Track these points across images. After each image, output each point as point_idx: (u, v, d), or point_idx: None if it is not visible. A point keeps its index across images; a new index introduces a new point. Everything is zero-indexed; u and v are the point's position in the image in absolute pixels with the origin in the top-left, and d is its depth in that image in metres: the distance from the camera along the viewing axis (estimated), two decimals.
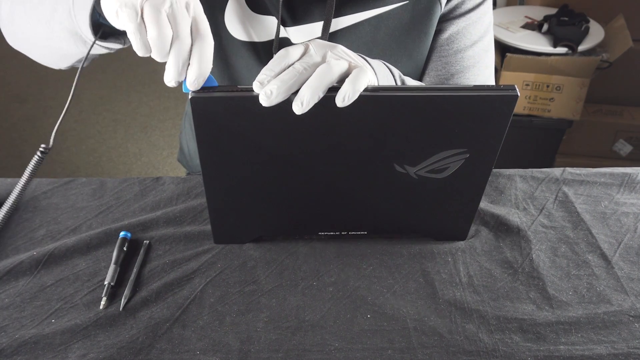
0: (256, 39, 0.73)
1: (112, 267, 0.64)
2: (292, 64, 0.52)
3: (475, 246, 0.71)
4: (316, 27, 0.72)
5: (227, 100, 0.52)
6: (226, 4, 0.71)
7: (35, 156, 0.54)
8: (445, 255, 0.69)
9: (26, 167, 0.57)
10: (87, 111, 2.43)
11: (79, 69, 0.59)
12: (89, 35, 0.56)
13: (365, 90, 0.52)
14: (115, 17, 0.48)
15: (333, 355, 0.57)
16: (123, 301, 0.61)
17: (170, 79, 0.49)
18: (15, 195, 0.55)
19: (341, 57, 0.54)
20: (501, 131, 0.57)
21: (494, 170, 0.85)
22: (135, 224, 0.72)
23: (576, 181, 0.83)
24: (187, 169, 1.05)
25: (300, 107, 0.50)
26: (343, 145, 0.57)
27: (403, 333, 0.59)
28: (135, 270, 0.65)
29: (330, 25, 0.70)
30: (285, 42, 0.73)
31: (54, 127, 0.54)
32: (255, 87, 0.51)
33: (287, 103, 0.52)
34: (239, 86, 0.53)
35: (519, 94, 0.53)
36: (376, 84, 0.58)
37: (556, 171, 0.85)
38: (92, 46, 0.57)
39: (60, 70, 0.74)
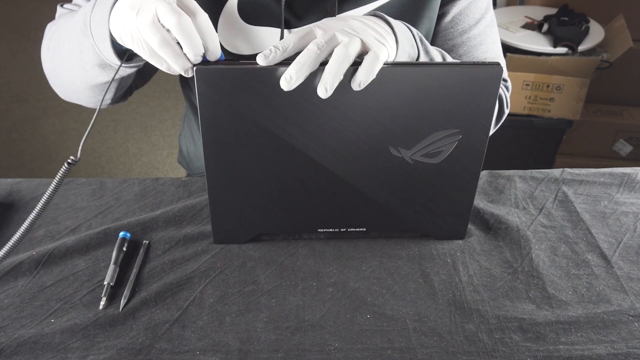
0: (249, 52, 0.73)
1: (111, 267, 0.64)
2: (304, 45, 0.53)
3: (474, 246, 0.71)
4: None
5: (232, 72, 0.54)
6: (218, 20, 0.71)
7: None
8: (444, 256, 0.69)
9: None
10: (87, 111, 2.42)
11: (106, 90, 0.65)
12: (115, 62, 0.61)
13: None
14: (121, 41, 0.56)
15: (333, 355, 0.57)
16: (123, 301, 0.61)
17: (194, 54, 0.52)
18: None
19: (352, 33, 0.54)
20: (490, 109, 0.59)
21: (494, 171, 0.85)
22: (135, 224, 0.72)
23: (576, 181, 0.83)
24: (187, 170, 1.05)
25: (325, 92, 0.53)
26: (341, 124, 0.58)
27: (403, 333, 0.59)
28: (134, 270, 0.65)
29: None
30: None
31: (82, 138, 0.58)
32: (260, 59, 0.52)
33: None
34: (241, 60, 0.54)
35: (503, 68, 0.55)
36: (392, 59, 0.58)
37: (556, 171, 0.85)
38: (118, 69, 0.62)
39: None
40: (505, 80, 0.84)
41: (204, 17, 0.52)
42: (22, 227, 0.57)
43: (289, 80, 0.51)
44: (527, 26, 1.80)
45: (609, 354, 0.58)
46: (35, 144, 2.23)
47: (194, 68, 0.54)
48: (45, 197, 0.56)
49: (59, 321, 0.59)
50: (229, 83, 0.55)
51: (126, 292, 0.62)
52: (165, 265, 0.67)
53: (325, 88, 0.52)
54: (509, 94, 0.84)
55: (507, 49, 1.72)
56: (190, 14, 0.52)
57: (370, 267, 0.67)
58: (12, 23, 3.24)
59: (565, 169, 0.85)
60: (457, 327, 0.60)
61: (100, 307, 0.61)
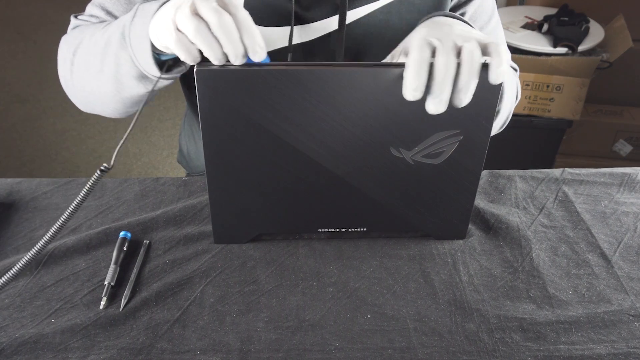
0: None
1: (112, 267, 0.64)
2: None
3: (474, 246, 0.71)
4: (328, 22, 0.72)
5: (232, 73, 0.54)
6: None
7: (95, 175, 0.57)
8: (444, 255, 0.69)
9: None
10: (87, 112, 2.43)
11: (142, 104, 0.64)
12: (156, 73, 0.60)
13: (363, 65, 0.55)
14: (159, 43, 0.55)
15: (333, 355, 0.57)
16: (123, 301, 0.61)
17: (234, 54, 0.51)
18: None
19: (466, 37, 0.54)
20: (491, 110, 0.59)
21: (494, 170, 0.85)
22: (135, 223, 0.72)
23: (576, 181, 0.83)
24: (187, 170, 1.05)
25: (466, 99, 0.53)
26: (342, 125, 0.59)
27: (403, 333, 0.59)
28: (135, 270, 0.65)
29: (345, 19, 0.71)
30: (297, 47, 0.73)
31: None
32: (409, 96, 0.53)
33: (289, 81, 0.54)
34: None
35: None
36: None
37: (556, 171, 0.85)
38: (157, 81, 0.61)
39: None
40: (515, 70, 0.84)
41: (244, 15, 0.51)
42: (47, 234, 0.57)
43: (440, 105, 0.53)
44: (527, 26, 1.80)
45: (609, 353, 0.58)
46: (35, 144, 2.23)
47: (195, 69, 0.54)
48: (75, 203, 0.56)
49: (59, 321, 0.59)
50: (229, 84, 0.55)
51: (127, 292, 0.62)
52: (165, 265, 0.67)
53: (465, 96, 0.53)
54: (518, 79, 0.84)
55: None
56: (231, 12, 0.51)
57: (370, 267, 0.67)
58: (12, 23, 3.24)
59: (566, 169, 0.85)
60: (458, 326, 0.60)
61: (101, 307, 0.61)
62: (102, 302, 0.61)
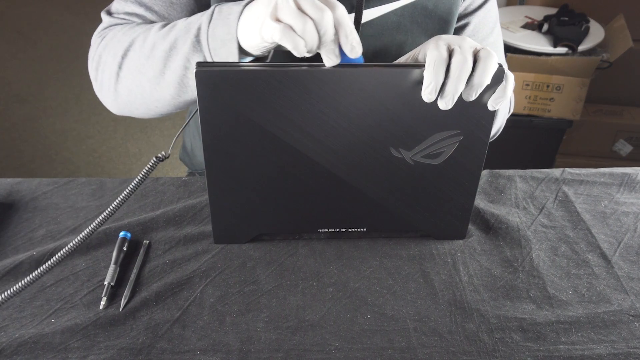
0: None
1: (111, 267, 0.64)
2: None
3: (474, 246, 0.71)
4: None
5: (232, 74, 0.54)
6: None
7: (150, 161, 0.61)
8: (444, 255, 0.69)
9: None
10: (87, 111, 2.43)
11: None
12: None
13: (363, 65, 0.56)
14: (260, 39, 0.54)
15: (333, 355, 0.57)
16: (123, 301, 0.61)
17: (331, 60, 0.53)
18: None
19: (472, 46, 0.56)
20: (491, 111, 0.59)
21: (494, 170, 0.85)
22: (135, 224, 0.72)
23: (576, 181, 0.83)
24: (189, 167, 1.06)
25: (474, 96, 0.56)
26: (342, 125, 0.59)
27: (403, 333, 0.59)
28: (135, 270, 0.65)
29: (361, 18, 0.71)
30: None
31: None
32: (429, 98, 0.55)
33: (289, 81, 0.54)
34: (241, 62, 0.54)
35: (504, 70, 0.56)
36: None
37: (556, 171, 0.85)
38: None
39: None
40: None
41: (342, 11, 0.52)
42: (93, 223, 0.60)
43: (449, 103, 0.55)
44: (527, 26, 1.80)
45: (609, 353, 0.58)
46: (35, 144, 2.23)
47: (194, 70, 0.54)
48: (129, 188, 0.59)
49: (59, 321, 0.59)
50: (229, 85, 0.55)
51: (126, 292, 0.62)
52: (165, 265, 0.67)
53: (476, 93, 0.55)
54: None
55: (507, 49, 1.72)
56: (331, 7, 0.52)
57: (370, 267, 0.67)
58: (12, 23, 3.24)
59: (566, 169, 0.85)
60: (458, 326, 0.60)
61: (101, 307, 0.61)
62: (102, 302, 0.61)
